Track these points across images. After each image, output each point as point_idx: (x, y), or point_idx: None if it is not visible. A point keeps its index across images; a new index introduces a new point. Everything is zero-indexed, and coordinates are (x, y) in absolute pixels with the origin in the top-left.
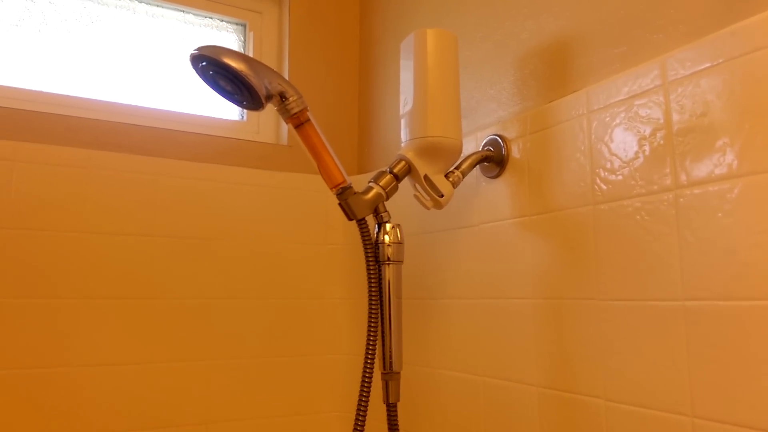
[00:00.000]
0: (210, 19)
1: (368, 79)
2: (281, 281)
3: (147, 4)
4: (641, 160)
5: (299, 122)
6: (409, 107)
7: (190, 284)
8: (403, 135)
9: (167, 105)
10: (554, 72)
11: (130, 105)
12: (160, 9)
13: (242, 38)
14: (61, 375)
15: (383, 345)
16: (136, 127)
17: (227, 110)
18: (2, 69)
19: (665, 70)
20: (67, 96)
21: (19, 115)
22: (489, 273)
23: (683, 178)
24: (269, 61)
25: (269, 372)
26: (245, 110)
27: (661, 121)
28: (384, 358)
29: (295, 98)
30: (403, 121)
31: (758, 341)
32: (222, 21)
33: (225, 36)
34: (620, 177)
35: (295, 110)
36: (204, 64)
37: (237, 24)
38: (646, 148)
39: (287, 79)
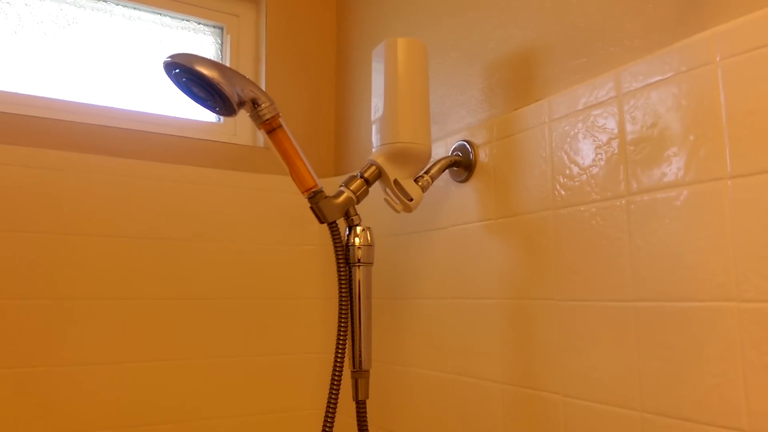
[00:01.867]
0: (187, 22)
1: (345, 83)
2: (257, 281)
3: (124, 6)
4: (597, 167)
5: (271, 128)
6: (379, 114)
7: (166, 285)
8: (375, 140)
9: (144, 107)
10: (520, 81)
11: (106, 107)
12: (137, 11)
13: (219, 41)
14: (42, 375)
15: (353, 344)
16: (112, 129)
17: (204, 113)
18: None
19: (619, 83)
20: (42, 98)
21: None
22: (458, 274)
23: (634, 185)
24: (246, 64)
25: (245, 371)
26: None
27: (616, 131)
28: (354, 357)
29: (267, 105)
30: (374, 127)
31: (702, 340)
32: (199, 24)
33: (202, 39)
34: (578, 183)
35: (267, 116)
36: (177, 71)
37: (214, 27)
38: (602, 156)
39: (264, 81)
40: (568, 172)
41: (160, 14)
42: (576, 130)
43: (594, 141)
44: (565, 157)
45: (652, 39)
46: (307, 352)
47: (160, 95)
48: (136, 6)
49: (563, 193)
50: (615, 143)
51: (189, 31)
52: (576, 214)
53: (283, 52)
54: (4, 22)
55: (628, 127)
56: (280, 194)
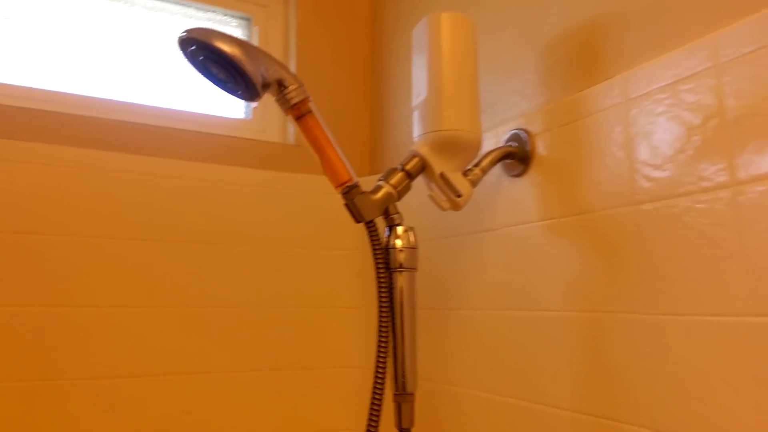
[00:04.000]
0: (213, 13)
1: (380, 73)
2: (288, 289)
3: None
4: (690, 152)
5: (300, 113)
6: (422, 98)
7: (190, 292)
8: (416, 129)
9: (167, 102)
10: (584, 58)
11: (127, 102)
12: (160, 2)
13: (247, 33)
14: (54, 389)
15: (395, 362)
16: (133, 125)
17: (231, 108)
18: None
19: (717, 50)
20: (61, 93)
21: (9, 111)
22: (514, 282)
23: (742, 173)
24: (275, 56)
25: (275, 386)
26: (250, 105)
27: (714, 107)
28: (396, 378)
29: (295, 87)
30: (415, 114)
31: None
32: (225, 15)
33: (228, 31)
34: (666, 173)
35: (296, 100)
36: (194, 48)
37: (241, 18)
38: (697, 138)
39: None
40: (652, 159)
41: (185, 5)
42: (661, 109)
43: (685, 121)
44: (647, 143)
45: None
46: (344, 367)
47: (184, 90)
48: None
49: (646, 185)
50: (713, 122)
51: (215, 22)
52: (664, 210)
53: (313, 42)
54: (22, 13)
55: (730, 102)
56: (313, 194)
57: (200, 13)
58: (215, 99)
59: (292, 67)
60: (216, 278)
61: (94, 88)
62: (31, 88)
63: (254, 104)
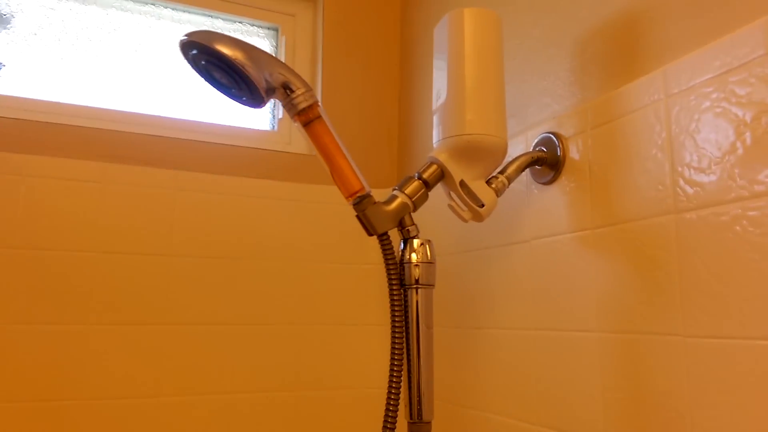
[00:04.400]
0: (240, 24)
1: (409, 83)
2: (311, 304)
3: (173, 9)
4: (740, 153)
5: (308, 119)
6: (442, 100)
7: (212, 308)
8: (436, 134)
9: (191, 115)
10: (621, 53)
11: (149, 114)
12: (186, 14)
13: (274, 43)
14: (68, 409)
15: (409, 388)
16: (155, 138)
17: (256, 120)
18: (18, 79)
19: None
20: (81, 106)
21: (29, 126)
22: (544, 299)
23: None
24: (303, 66)
25: (296, 407)
26: (275, 117)
27: None
28: (411, 405)
29: (302, 91)
30: (435, 118)
31: None
32: (252, 26)
33: (256, 41)
34: (713, 177)
35: (303, 105)
36: (195, 52)
37: (268, 28)
38: (747, 137)
39: (321, 84)
40: (696, 162)
41: (212, 16)
42: (706, 105)
43: (734, 117)
44: (691, 143)
45: None
46: (368, 387)
47: (209, 102)
48: (185, 8)
49: (690, 190)
50: (767, 118)
51: (242, 33)
52: (710, 219)
53: (341, 52)
54: (48, 28)
55: None
56: (338, 207)
57: (227, 25)
58: (241, 111)
59: (320, 75)
60: (238, 294)
61: (118, 101)
62: (51, 102)
63: (260, 110)
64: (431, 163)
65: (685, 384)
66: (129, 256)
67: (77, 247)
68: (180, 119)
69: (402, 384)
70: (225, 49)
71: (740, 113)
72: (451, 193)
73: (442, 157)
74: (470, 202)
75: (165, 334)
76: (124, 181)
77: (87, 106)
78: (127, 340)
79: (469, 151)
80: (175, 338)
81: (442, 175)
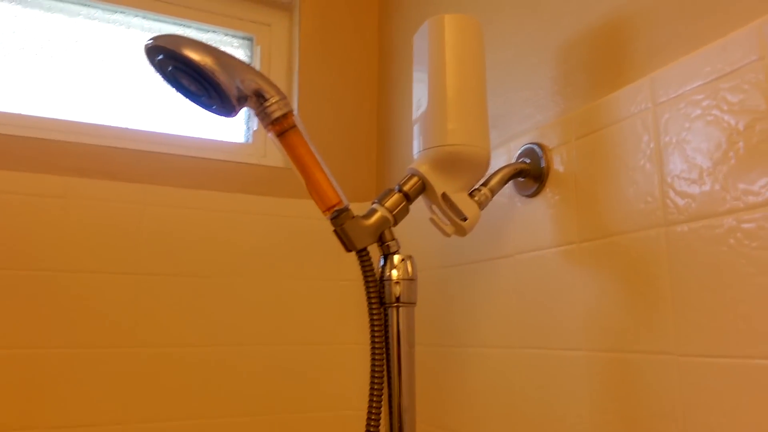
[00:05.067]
0: (214, 34)
1: (388, 92)
2: (287, 324)
3: (143, 18)
4: (734, 162)
5: (283, 129)
6: (422, 110)
7: (182, 330)
8: (416, 145)
9: (161, 127)
10: (607, 60)
11: (115, 126)
12: (157, 23)
13: (249, 53)
14: None
15: (390, 411)
16: (122, 151)
17: (231, 132)
18: None
19: (765, 38)
20: (44, 118)
21: None
22: (530, 316)
23: None
24: (278, 77)
25: None
26: (250, 130)
27: (762, 107)
28: (392, 428)
29: (276, 99)
30: (416, 128)
31: None
32: (227, 35)
33: (230, 51)
34: (705, 188)
35: (277, 114)
36: (161, 57)
37: (243, 38)
38: (741, 146)
39: (297, 95)
40: (686, 172)
41: (184, 25)
42: (697, 113)
43: (727, 125)
44: (681, 152)
45: None
46: (346, 409)
47: (182, 115)
48: (156, 17)
49: (681, 202)
50: (761, 126)
51: (216, 43)
52: (702, 232)
53: (318, 62)
54: (10, 38)
55: None
56: (315, 221)
57: (200, 34)
58: (215, 123)
59: (296, 85)
60: (209, 314)
61: (84, 113)
62: (12, 114)
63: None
64: (412, 175)
65: (679, 405)
66: (93, 275)
67: (37, 266)
68: (149, 131)
69: (382, 406)
70: (193, 55)
71: (733, 121)
72: (433, 206)
73: (423, 169)
74: (452, 216)
75: (132, 357)
76: (88, 195)
77: (50, 118)
78: (91, 364)
79: (451, 163)
80: (142, 362)
81: (423, 188)
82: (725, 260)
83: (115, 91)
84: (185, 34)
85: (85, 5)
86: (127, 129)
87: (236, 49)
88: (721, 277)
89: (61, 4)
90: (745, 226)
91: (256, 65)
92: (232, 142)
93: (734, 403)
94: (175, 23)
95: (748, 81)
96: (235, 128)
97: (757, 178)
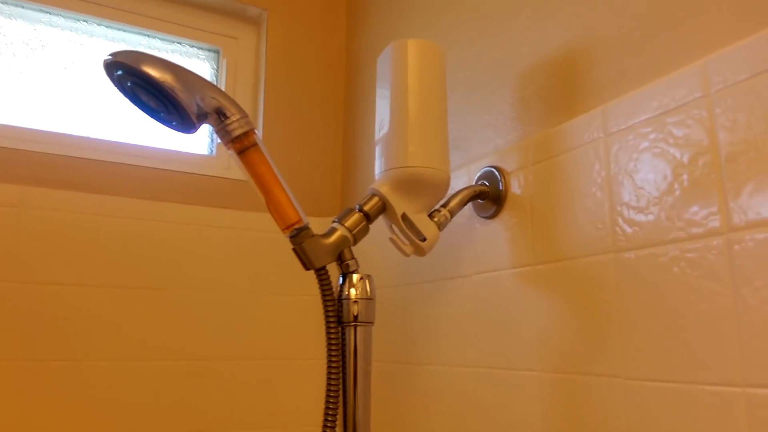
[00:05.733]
0: (179, 45)
1: (354, 110)
2: (246, 338)
3: (107, 27)
4: (678, 194)
5: (243, 147)
6: (385, 131)
7: (138, 343)
8: (378, 165)
9: (121, 137)
10: (562, 90)
11: (74, 135)
12: (121, 33)
13: (215, 66)
14: None
15: (345, 427)
16: (81, 161)
17: (194, 144)
18: None
19: (708, 76)
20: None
21: None
22: (485, 335)
23: (738, 217)
24: (244, 91)
25: None
26: (214, 142)
27: (705, 142)
28: None
29: (237, 117)
30: (378, 149)
31: None
32: (192, 47)
33: (196, 64)
34: (651, 217)
35: (238, 132)
36: (121, 73)
37: (209, 50)
38: (685, 178)
39: (263, 109)
40: (634, 201)
41: (148, 35)
42: (645, 145)
43: (672, 158)
44: (630, 182)
45: (749, 18)
46: (304, 425)
47: (144, 125)
48: (120, 26)
49: (628, 230)
50: (704, 159)
51: (181, 54)
52: (649, 259)
53: (285, 77)
54: None
55: (724, 136)
56: (277, 235)
57: (165, 45)
58: (179, 135)
59: (262, 100)
60: (166, 328)
61: (43, 121)
62: None
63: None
64: (373, 195)
65: (625, 428)
66: (48, 286)
67: None
68: (109, 141)
69: (338, 424)
70: (153, 71)
71: (678, 154)
72: (393, 226)
73: (384, 190)
74: (412, 236)
75: (86, 371)
76: (44, 206)
77: (5, 125)
78: (43, 377)
79: (411, 184)
80: (98, 376)
81: (384, 208)
82: (669, 288)
83: (75, 99)
84: (149, 45)
85: (47, 12)
86: (86, 138)
87: (202, 61)
88: (665, 304)
89: (21, 11)
90: (688, 255)
91: (222, 78)
92: (195, 154)
93: (676, 427)
94: (139, 33)
95: (692, 116)
96: (199, 140)
97: (700, 210)
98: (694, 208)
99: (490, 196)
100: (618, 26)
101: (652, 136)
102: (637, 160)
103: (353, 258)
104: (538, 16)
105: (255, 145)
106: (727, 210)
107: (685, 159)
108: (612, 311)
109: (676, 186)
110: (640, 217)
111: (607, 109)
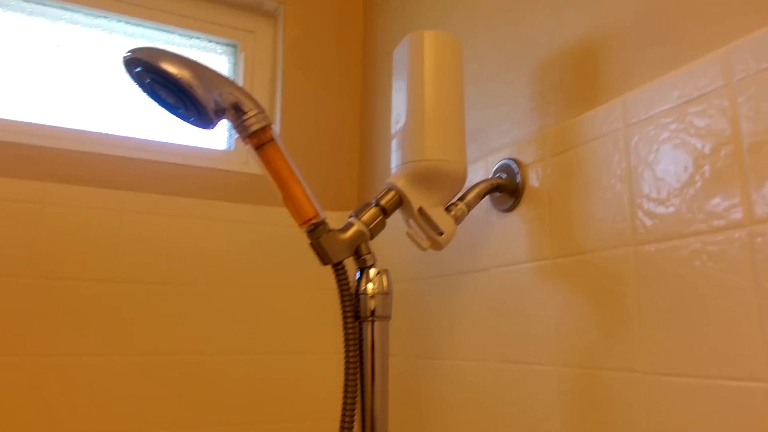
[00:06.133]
0: (197, 40)
1: (371, 103)
2: (265, 333)
3: (126, 23)
4: (700, 185)
5: (261, 142)
6: (401, 125)
7: (158, 338)
8: (394, 159)
9: (142, 134)
10: (581, 80)
11: (94, 132)
12: (140, 29)
13: (233, 60)
14: None
15: (363, 424)
16: (101, 157)
17: (213, 139)
18: None
19: (730, 66)
20: (22, 122)
21: None
22: (503, 329)
23: (761, 210)
24: (262, 85)
25: None
26: (233, 137)
27: (727, 132)
28: None
29: (254, 113)
30: (394, 142)
31: None
32: (210, 42)
33: (213, 58)
34: (671, 209)
35: (255, 127)
36: (140, 69)
37: (227, 45)
38: (707, 169)
39: (280, 103)
40: (654, 194)
41: (167, 31)
42: (665, 135)
43: (693, 149)
44: (650, 174)
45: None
46: (323, 419)
47: (163, 121)
48: (139, 22)
49: (648, 223)
50: (726, 150)
51: (199, 49)
52: (669, 252)
53: (302, 71)
54: None
55: (746, 126)
56: (295, 229)
57: (183, 40)
58: (197, 130)
59: (279, 94)
60: (186, 323)
61: (64, 118)
62: None
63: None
64: (389, 190)
65: (645, 423)
66: (69, 281)
67: (11, 273)
68: (129, 137)
69: (356, 419)
70: (171, 68)
71: (699, 145)
72: (410, 220)
73: (401, 183)
74: (429, 230)
75: (107, 366)
76: (65, 202)
77: (28, 123)
78: (65, 373)
79: (428, 178)
80: (118, 370)
81: (401, 202)
82: (690, 281)
83: (96, 96)
84: (168, 40)
85: (68, 9)
86: (107, 135)
87: (220, 55)
88: (685, 298)
89: (42, 8)
90: (710, 248)
91: (240, 72)
92: (213, 149)
93: (697, 422)
94: (158, 29)
95: (714, 106)
96: (217, 135)
97: (722, 202)
98: (716, 200)
99: (507, 189)
100: (637, 14)
101: (673, 126)
102: (657, 151)
103: (370, 252)
104: (555, 5)
105: (272, 140)
106: (749, 202)
107: (707, 150)
108: (632, 305)
109: (697, 177)
110: (661, 210)
111: (627, 99)
